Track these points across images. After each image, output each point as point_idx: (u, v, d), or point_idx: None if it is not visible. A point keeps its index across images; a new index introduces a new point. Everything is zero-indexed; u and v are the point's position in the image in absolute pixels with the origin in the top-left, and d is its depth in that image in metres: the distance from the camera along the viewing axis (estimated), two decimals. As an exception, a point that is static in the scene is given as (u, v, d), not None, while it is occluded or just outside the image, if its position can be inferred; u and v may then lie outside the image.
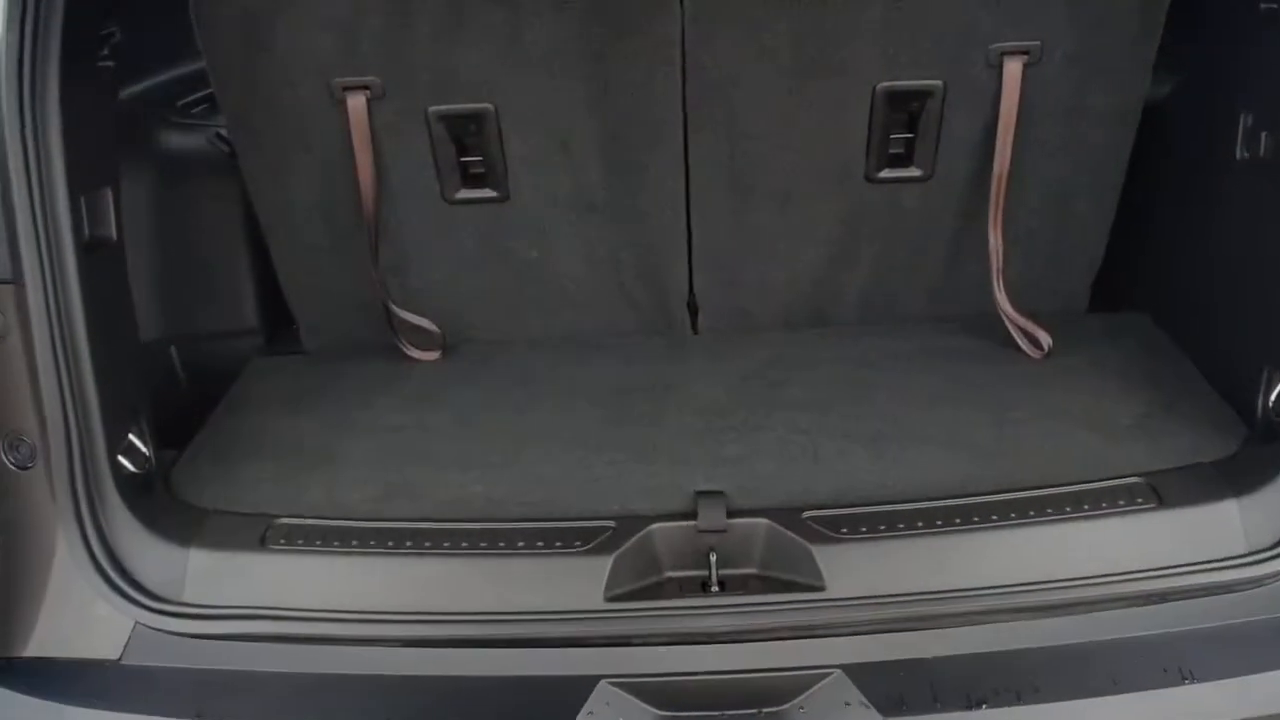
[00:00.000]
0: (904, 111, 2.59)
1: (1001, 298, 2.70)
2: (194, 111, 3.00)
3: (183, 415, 2.64)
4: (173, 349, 2.93)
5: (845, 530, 2.13)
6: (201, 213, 2.95)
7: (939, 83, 2.53)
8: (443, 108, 2.55)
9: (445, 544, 2.15)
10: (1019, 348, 2.69)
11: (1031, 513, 2.14)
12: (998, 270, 2.69)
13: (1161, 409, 2.41)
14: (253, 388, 2.75)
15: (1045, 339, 2.67)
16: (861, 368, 2.66)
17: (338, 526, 2.20)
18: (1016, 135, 2.56)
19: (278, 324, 3.01)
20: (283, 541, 2.17)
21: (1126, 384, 2.52)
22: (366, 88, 2.52)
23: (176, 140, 2.95)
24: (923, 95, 2.55)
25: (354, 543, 2.16)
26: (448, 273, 2.77)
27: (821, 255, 2.78)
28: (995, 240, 2.66)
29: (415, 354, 2.82)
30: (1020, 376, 2.59)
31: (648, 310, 2.85)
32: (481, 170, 2.65)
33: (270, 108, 2.54)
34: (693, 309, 2.86)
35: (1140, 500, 2.16)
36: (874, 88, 2.54)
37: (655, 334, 2.87)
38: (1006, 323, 2.71)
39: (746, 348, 2.78)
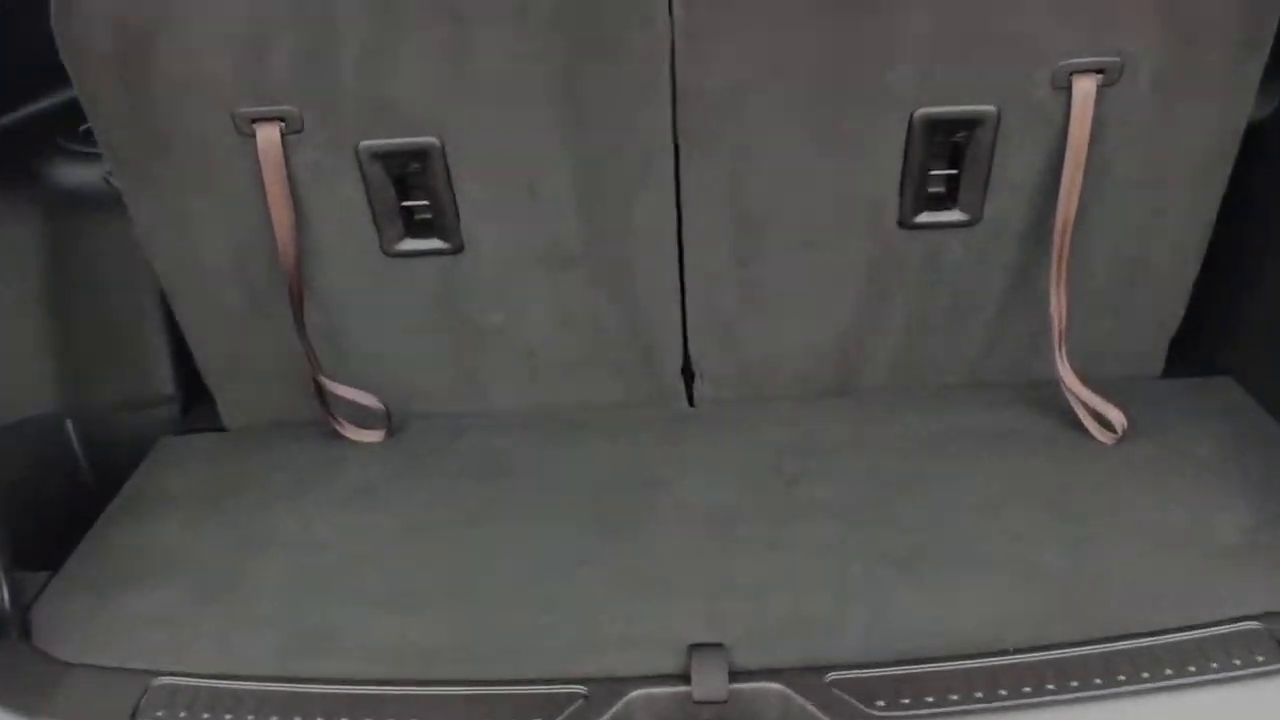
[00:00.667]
0: (947, 142, 2.10)
1: (1064, 369, 2.22)
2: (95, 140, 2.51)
3: (83, 508, 2.18)
4: (69, 424, 2.45)
5: (882, 703, 1.65)
6: (104, 258, 2.45)
7: (992, 108, 2.05)
8: (377, 143, 2.07)
9: (367, 719, 1.68)
10: (1084, 429, 2.22)
11: (1122, 677, 1.67)
12: (1059, 335, 2.20)
13: (1273, 518, 1.95)
14: (153, 481, 2.27)
15: (1119, 419, 2.20)
16: (895, 456, 2.19)
17: (233, 690, 1.73)
18: (1087, 171, 2.07)
19: (197, 389, 2.52)
20: (160, 714, 1.70)
21: (1225, 481, 2.05)
22: (280, 119, 2.04)
23: (71, 174, 2.45)
24: (971, 123, 2.07)
25: (249, 718, 1.69)
26: (391, 339, 2.30)
27: (844, 314, 2.29)
28: (1057, 299, 2.18)
29: (354, 434, 2.35)
30: (1091, 471, 2.12)
31: (636, 379, 2.37)
32: (428, 216, 2.17)
33: (161, 144, 2.06)
34: (689, 376, 2.39)
35: (1261, 658, 1.68)
36: (912, 114, 2.05)
37: (646, 407, 2.39)
38: (1070, 399, 2.23)
39: (754, 426, 2.31)
